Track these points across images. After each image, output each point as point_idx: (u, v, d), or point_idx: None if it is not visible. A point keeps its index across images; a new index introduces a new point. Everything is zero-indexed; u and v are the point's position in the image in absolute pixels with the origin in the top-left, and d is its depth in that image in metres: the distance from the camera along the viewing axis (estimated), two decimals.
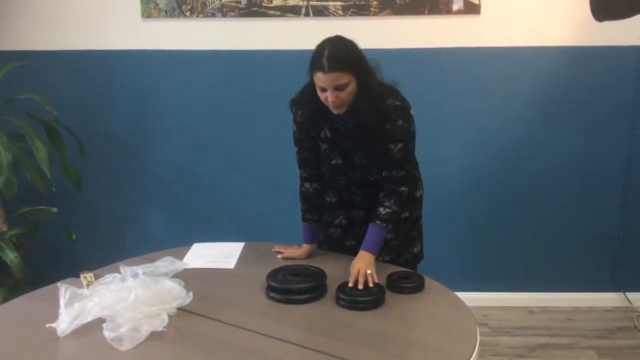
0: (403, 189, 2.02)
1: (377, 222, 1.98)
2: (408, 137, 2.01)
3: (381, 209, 1.99)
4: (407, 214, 2.18)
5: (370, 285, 1.81)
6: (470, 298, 3.31)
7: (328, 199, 2.23)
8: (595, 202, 3.33)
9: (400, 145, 1.99)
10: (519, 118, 3.23)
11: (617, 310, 3.39)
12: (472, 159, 3.29)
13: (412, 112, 2.01)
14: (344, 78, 1.85)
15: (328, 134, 2.07)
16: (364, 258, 1.92)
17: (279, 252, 2.17)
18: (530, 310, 3.40)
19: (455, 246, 3.39)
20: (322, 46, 1.88)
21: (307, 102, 2.01)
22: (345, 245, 2.22)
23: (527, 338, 3.10)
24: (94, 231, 3.40)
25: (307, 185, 2.20)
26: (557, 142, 3.26)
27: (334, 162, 2.09)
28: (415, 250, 2.26)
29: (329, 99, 1.88)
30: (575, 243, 3.38)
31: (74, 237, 3.04)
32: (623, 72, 3.15)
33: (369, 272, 1.84)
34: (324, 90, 1.88)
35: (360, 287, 1.80)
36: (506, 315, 3.34)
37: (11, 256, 2.77)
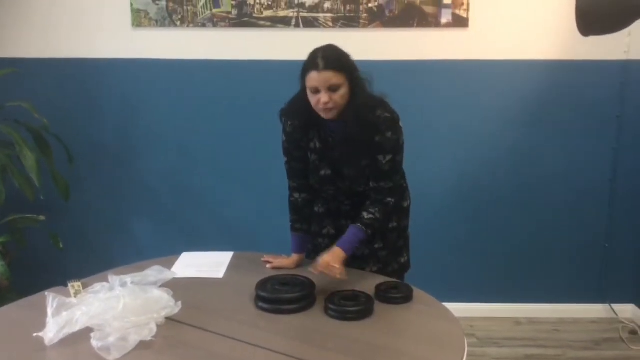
0: (389, 199, 2.04)
1: (358, 224, 1.99)
2: (397, 149, 2.03)
3: (365, 214, 2.00)
4: (394, 224, 2.20)
5: (338, 277, 1.86)
6: (457, 309, 3.31)
7: (316, 208, 2.24)
8: (581, 213, 3.37)
9: (389, 157, 2.00)
10: (506, 130, 3.26)
11: (602, 321, 3.42)
12: (458, 171, 3.32)
13: (401, 123, 2.03)
14: (338, 78, 1.87)
15: (317, 145, 2.08)
16: (333, 252, 1.94)
17: (268, 262, 2.18)
18: (517, 321, 3.42)
19: (442, 257, 3.41)
20: (316, 51, 1.93)
21: (297, 111, 2.03)
22: None
23: (514, 349, 3.12)
24: (82, 240, 3.38)
25: (297, 195, 2.21)
26: (543, 155, 3.30)
27: (322, 172, 2.10)
28: (403, 260, 2.27)
29: (322, 100, 1.88)
30: (561, 254, 3.42)
31: (61, 246, 3.02)
32: (608, 86, 3.20)
33: (336, 265, 1.88)
34: (317, 91, 1.89)
35: (316, 271, 1.89)
36: (493, 326, 3.36)
37: None
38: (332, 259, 1.91)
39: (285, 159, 2.18)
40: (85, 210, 3.37)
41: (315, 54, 1.90)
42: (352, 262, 2.17)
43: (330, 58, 1.88)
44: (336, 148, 2.04)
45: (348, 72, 1.90)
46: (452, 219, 3.37)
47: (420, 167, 3.27)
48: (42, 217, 2.99)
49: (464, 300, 3.41)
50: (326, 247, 2.22)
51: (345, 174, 2.07)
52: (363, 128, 1.96)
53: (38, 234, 3.04)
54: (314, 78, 1.87)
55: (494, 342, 3.19)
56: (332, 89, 1.88)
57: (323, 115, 1.94)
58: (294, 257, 2.18)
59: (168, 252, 2.34)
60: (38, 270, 3.05)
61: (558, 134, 3.28)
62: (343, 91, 1.90)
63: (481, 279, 3.45)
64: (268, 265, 2.15)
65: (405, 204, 2.26)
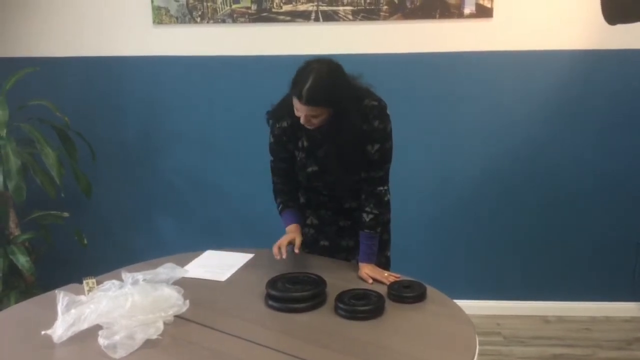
0: (381, 188, 2.08)
1: (365, 230, 2.07)
2: (385, 137, 2.02)
3: (365, 216, 2.07)
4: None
5: (389, 280, 1.94)
6: (484, 306, 3.30)
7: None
8: (614, 208, 3.25)
9: (377, 146, 2.01)
10: (533, 122, 3.16)
11: (636, 320, 3.30)
12: (484, 164, 3.23)
13: (388, 111, 2.02)
14: (317, 111, 1.87)
15: (305, 143, 2.09)
16: (367, 268, 2.03)
17: (281, 258, 2.16)
18: (546, 320, 3.33)
19: (469, 253, 3.34)
20: (307, 73, 1.85)
21: (287, 112, 1.99)
22: (320, 245, 2.26)
23: (541, 348, 3.03)
24: (106, 236, 3.43)
25: (281, 186, 2.23)
26: (572, 147, 3.19)
27: (310, 169, 2.10)
28: (388, 253, 2.29)
29: (301, 120, 1.92)
30: (593, 251, 3.31)
31: (85, 242, 3.06)
32: (639, 76, 3.07)
33: (385, 274, 1.99)
34: (297, 110, 1.91)
35: (387, 280, 1.96)
36: (521, 324, 3.28)
37: (22, 260, 2.81)
38: (370, 269, 2.02)
39: (272, 158, 2.21)
40: (109, 207, 3.41)
41: (304, 79, 1.83)
42: (338, 253, 2.24)
43: (315, 92, 1.82)
44: (324, 144, 2.03)
45: (331, 104, 1.88)
46: (479, 213, 3.29)
47: (443, 161, 3.22)
48: (65, 214, 3.03)
49: (491, 297, 3.34)
50: (312, 237, 2.27)
51: (332, 166, 2.05)
52: (352, 120, 1.94)
53: (62, 230, 3.08)
54: (296, 103, 1.87)
55: (520, 340, 3.11)
56: (311, 116, 1.89)
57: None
58: (292, 229, 2.14)
59: (190, 248, 2.35)
60: (63, 267, 3.08)
61: (589, 126, 3.16)
62: (323, 117, 1.90)
63: (509, 275, 3.36)
64: (277, 257, 2.13)
65: (386, 199, 2.21)
